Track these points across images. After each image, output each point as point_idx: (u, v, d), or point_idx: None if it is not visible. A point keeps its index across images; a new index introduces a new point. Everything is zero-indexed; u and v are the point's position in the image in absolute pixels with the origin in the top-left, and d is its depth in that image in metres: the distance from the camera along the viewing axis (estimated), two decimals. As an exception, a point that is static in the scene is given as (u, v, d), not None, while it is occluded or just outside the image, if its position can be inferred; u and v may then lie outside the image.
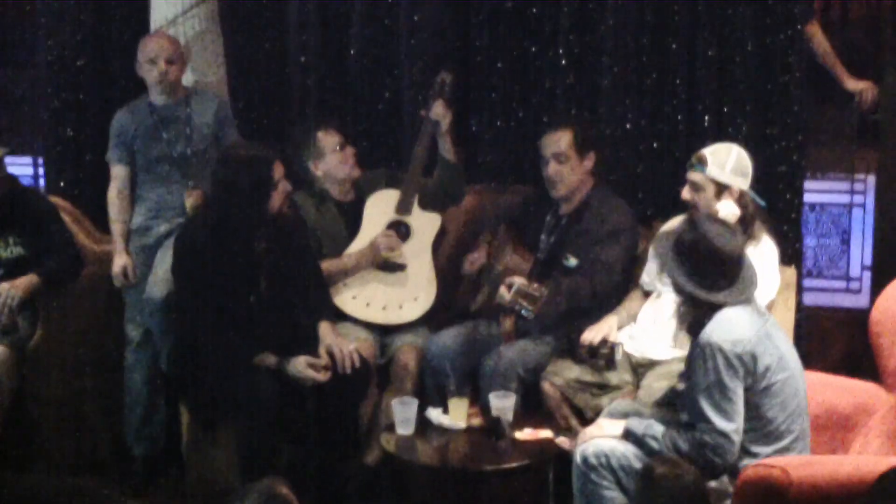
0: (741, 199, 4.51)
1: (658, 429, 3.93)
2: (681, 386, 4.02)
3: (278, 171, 4.68)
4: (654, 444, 3.90)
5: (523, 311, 4.67)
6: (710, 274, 3.86)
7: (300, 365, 4.60)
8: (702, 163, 4.53)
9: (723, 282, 3.87)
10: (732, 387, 3.78)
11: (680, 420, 3.95)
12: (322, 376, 4.60)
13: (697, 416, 3.82)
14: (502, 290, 4.74)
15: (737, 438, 3.81)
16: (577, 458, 4.03)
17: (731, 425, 3.79)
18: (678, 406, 4.02)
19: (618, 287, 4.91)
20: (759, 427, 3.86)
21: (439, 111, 5.09)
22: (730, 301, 3.86)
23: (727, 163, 4.50)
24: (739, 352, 3.78)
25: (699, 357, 3.82)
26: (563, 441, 4.35)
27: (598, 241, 4.90)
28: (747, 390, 3.82)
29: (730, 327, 3.82)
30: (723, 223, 4.01)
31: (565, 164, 4.95)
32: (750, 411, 3.84)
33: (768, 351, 3.83)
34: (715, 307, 3.87)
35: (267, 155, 4.70)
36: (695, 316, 3.95)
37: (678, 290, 3.96)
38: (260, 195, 4.63)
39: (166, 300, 5.02)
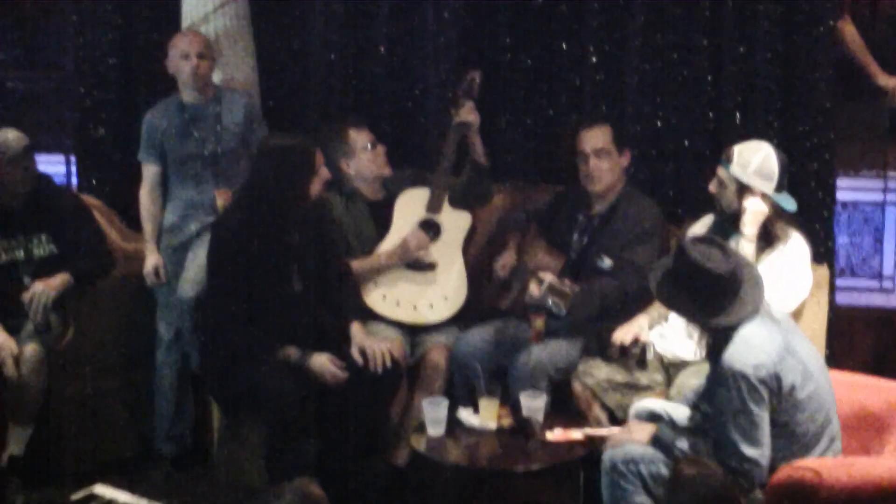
0: (763, 201, 4.49)
1: (688, 440, 3.91)
2: (705, 407, 3.98)
3: (319, 158, 4.71)
4: (680, 454, 3.87)
5: (553, 308, 4.67)
6: (710, 298, 3.81)
7: (322, 360, 4.61)
8: (728, 160, 4.52)
9: (725, 301, 3.81)
10: (758, 412, 3.74)
11: (707, 434, 3.92)
12: (342, 374, 4.61)
13: (724, 443, 3.79)
14: (532, 286, 4.74)
15: (764, 462, 3.77)
16: (607, 464, 4.02)
17: (758, 451, 3.76)
18: (704, 426, 3.97)
19: (648, 288, 4.89)
20: (791, 443, 3.83)
21: (467, 113, 5.09)
22: (740, 318, 3.81)
23: (751, 163, 4.48)
24: (763, 376, 3.73)
25: (722, 384, 3.78)
26: (590, 430, 4.34)
27: (630, 242, 4.89)
28: (775, 410, 3.78)
29: (750, 350, 3.76)
30: (710, 242, 3.93)
31: (605, 160, 4.96)
32: (780, 429, 3.80)
33: (791, 367, 3.78)
34: (729, 328, 3.83)
35: (308, 143, 4.74)
36: (712, 340, 3.92)
37: (687, 320, 3.94)
38: (303, 180, 4.65)
39: (197, 300, 5.05)
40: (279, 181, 4.65)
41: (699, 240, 3.98)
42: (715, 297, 3.81)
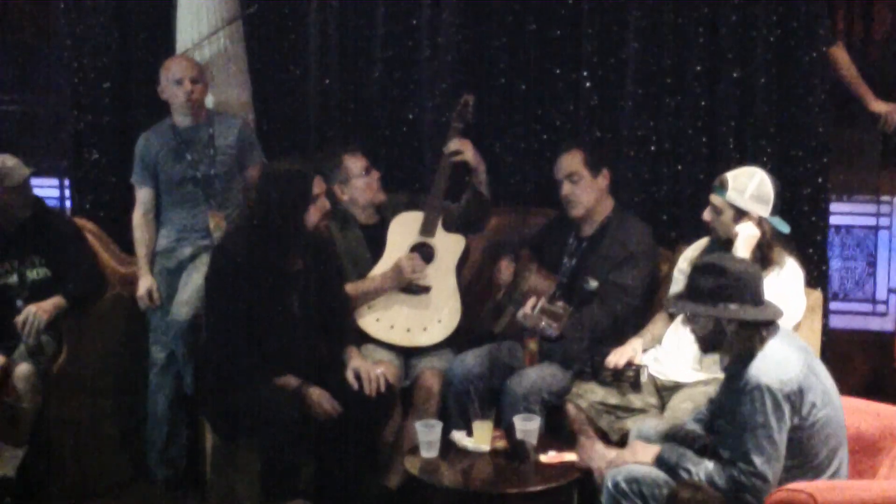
0: (760, 226, 4.50)
1: (692, 460, 3.89)
2: (720, 422, 3.97)
3: (318, 186, 4.71)
4: (685, 476, 3.86)
5: (547, 330, 4.67)
6: (734, 292, 3.81)
7: (319, 395, 4.61)
8: (723, 186, 4.53)
9: (753, 296, 3.83)
10: (777, 428, 3.74)
11: (719, 454, 3.90)
12: (334, 411, 4.61)
13: (739, 455, 3.78)
14: (525, 309, 4.75)
15: (773, 480, 3.76)
16: (609, 483, 3.99)
17: (770, 467, 3.75)
18: (718, 442, 3.96)
19: (638, 310, 4.90)
20: (803, 463, 3.83)
21: (455, 144, 5.11)
22: (767, 316, 3.82)
23: (747, 189, 4.50)
24: (787, 391, 3.73)
25: (747, 396, 3.76)
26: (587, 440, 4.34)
27: (618, 264, 4.90)
28: (793, 429, 3.78)
29: (776, 365, 3.77)
30: (734, 256, 3.99)
31: (578, 184, 4.97)
32: (795, 448, 3.80)
33: (813, 387, 3.80)
34: (754, 335, 3.82)
35: (306, 169, 4.74)
36: (737, 352, 3.90)
37: (709, 335, 3.91)
38: (297, 207, 4.66)
39: (191, 323, 5.05)
40: (273, 207, 4.66)
41: (716, 255, 4.07)
42: (746, 291, 3.82)
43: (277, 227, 4.65)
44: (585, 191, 4.98)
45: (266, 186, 4.74)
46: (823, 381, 3.87)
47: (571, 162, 4.98)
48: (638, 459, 4.02)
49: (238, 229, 4.89)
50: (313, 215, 4.70)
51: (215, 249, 4.91)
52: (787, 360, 3.80)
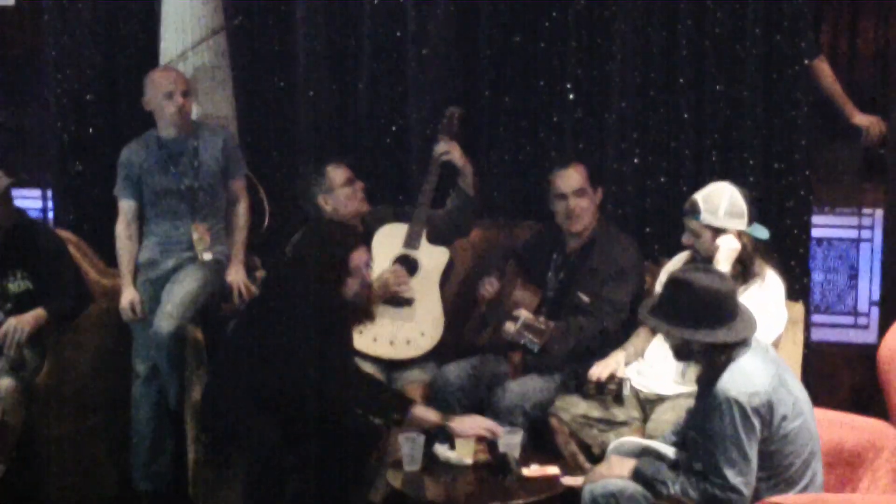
0: (739, 238, 4.52)
1: (668, 474, 3.90)
2: (692, 434, 3.98)
3: (359, 257, 4.56)
4: (662, 489, 3.87)
5: (529, 345, 4.68)
6: (703, 314, 3.81)
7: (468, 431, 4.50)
8: (695, 210, 4.53)
9: (726, 316, 3.83)
10: (748, 441, 3.75)
11: (692, 466, 3.91)
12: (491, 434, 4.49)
13: (711, 469, 3.79)
14: (508, 323, 4.75)
15: (747, 492, 3.77)
16: (586, 498, 4.01)
17: (743, 479, 3.76)
18: (691, 454, 3.97)
19: (625, 324, 4.91)
20: (776, 475, 3.84)
21: (443, 147, 5.11)
22: (741, 335, 3.82)
23: (720, 207, 4.50)
24: (756, 404, 3.74)
25: (716, 410, 3.77)
26: (568, 480, 4.33)
27: (607, 279, 4.91)
28: (764, 441, 3.79)
29: (746, 379, 3.77)
30: (708, 270, 3.99)
31: (584, 198, 4.99)
32: (767, 460, 3.81)
33: (783, 399, 3.80)
34: (723, 353, 3.83)
35: (346, 238, 4.59)
36: (707, 368, 3.92)
37: (680, 347, 3.92)
38: (330, 277, 4.51)
39: (173, 335, 5.03)
40: (306, 269, 4.55)
41: (690, 267, 4.06)
42: (715, 312, 3.81)
43: (307, 290, 4.50)
44: (588, 206, 5.01)
45: (301, 244, 4.75)
46: (794, 393, 3.87)
47: (579, 177, 5.00)
48: (614, 473, 4.02)
49: (274, 281, 4.85)
50: (351, 287, 4.55)
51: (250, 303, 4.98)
52: (757, 373, 3.80)
